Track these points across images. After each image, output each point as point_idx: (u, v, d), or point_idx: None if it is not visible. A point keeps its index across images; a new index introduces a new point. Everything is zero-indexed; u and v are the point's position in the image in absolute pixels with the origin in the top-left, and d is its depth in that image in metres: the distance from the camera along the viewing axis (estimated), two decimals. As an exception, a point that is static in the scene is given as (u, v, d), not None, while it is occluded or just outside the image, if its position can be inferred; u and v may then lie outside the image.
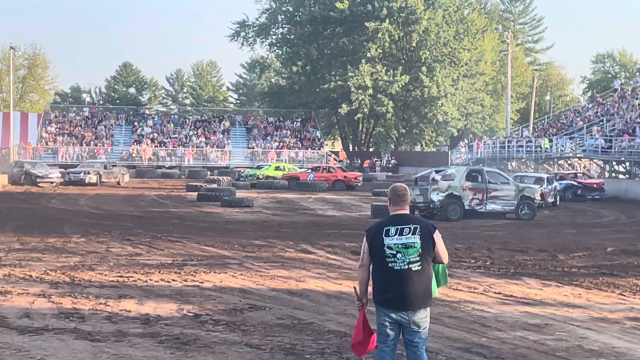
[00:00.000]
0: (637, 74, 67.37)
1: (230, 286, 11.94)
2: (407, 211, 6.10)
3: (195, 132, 63.92)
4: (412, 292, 5.85)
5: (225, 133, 64.52)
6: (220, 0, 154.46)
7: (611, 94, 54.90)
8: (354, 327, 6.39)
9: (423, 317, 5.93)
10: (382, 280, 5.93)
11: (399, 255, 5.85)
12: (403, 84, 63.07)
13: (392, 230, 5.92)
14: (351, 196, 37.47)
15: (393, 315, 5.90)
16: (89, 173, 42.72)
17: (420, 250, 5.86)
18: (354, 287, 6.44)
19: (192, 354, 7.79)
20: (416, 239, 5.87)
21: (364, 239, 6.07)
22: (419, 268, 5.87)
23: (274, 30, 71.74)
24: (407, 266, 5.85)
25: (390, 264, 5.88)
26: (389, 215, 6.11)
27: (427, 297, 5.95)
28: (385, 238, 5.90)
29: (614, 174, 42.92)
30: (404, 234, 5.89)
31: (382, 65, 64.25)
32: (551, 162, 47.35)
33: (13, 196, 34.91)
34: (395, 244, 5.87)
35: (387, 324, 5.94)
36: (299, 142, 63.76)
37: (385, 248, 5.89)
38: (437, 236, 5.98)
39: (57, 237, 18.66)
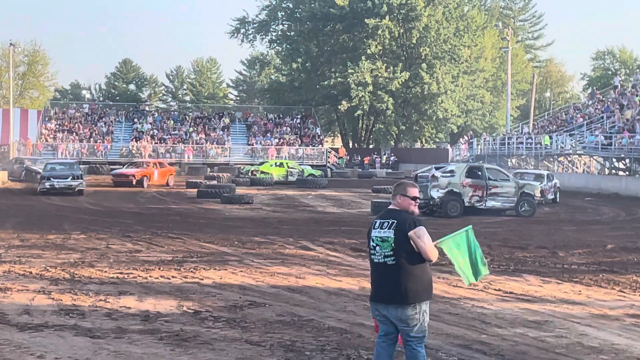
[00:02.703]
0: (637, 70, 67.36)
1: (230, 283, 11.94)
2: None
3: (195, 129, 63.89)
4: (389, 286, 5.91)
5: (225, 130, 64.50)
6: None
7: (611, 90, 54.89)
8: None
9: (411, 314, 5.91)
10: (370, 273, 6.16)
11: (377, 248, 6.01)
12: (403, 80, 63.09)
13: (377, 223, 6.08)
14: (352, 193, 37.47)
15: (381, 310, 6.01)
16: (78, 178, 33.65)
17: (393, 245, 5.92)
18: None
19: (192, 351, 7.79)
20: (390, 234, 5.95)
21: None
22: (393, 262, 5.92)
23: (274, 27, 71.79)
24: (383, 259, 5.97)
25: (372, 256, 6.08)
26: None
27: (411, 295, 5.89)
28: (372, 230, 6.09)
29: (613, 171, 42.91)
30: (383, 227, 6.01)
31: (382, 62, 64.28)
32: (551, 159, 47.35)
33: (13, 193, 34.91)
34: (376, 237, 6.03)
35: (378, 318, 6.10)
36: (298, 139, 63.73)
37: (370, 240, 6.09)
38: (416, 233, 5.90)
39: (57, 233, 18.66)
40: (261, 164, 48.89)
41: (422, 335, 6.03)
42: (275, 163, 47.35)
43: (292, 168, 45.88)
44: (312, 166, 52.65)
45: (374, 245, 6.00)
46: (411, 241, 5.90)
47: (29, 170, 42.41)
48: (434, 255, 6.02)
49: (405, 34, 65.44)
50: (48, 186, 32.55)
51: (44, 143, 58.72)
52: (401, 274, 5.90)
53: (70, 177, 33.06)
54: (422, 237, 5.95)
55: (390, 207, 6.16)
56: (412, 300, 5.91)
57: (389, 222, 5.99)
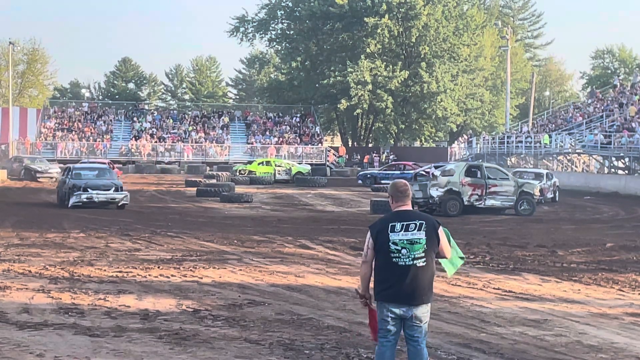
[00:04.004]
0: (637, 69, 67.34)
1: (230, 281, 11.94)
2: (410, 207, 6.14)
3: (195, 128, 63.88)
4: (416, 287, 5.90)
5: (225, 128, 64.50)
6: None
7: (610, 89, 54.91)
8: (368, 326, 6.42)
9: (425, 312, 5.99)
10: (386, 276, 5.96)
11: (403, 251, 5.89)
12: (402, 79, 63.05)
13: (398, 226, 5.95)
14: (350, 192, 37.47)
15: (396, 310, 5.93)
16: (121, 189, 26.49)
17: (425, 246, 5.91)
18: (357, 288, 6.46)
19: (191, 350, 7.79)
20: (421, 235, 5.92)
21: (368, 235, 6.09)
22: (424, 264, 5.92)
23: (273, 25, 71.71)
24: (412, 262, 5.89)
25: (394, 259, 5.91)
26: (392, 212, 6.13)
27: (430, 293, 6.03)
28: (390, 234, 5.94)
29: (613, 170, 42.93)
30: (409, 230, 5.93)
31: (382, 60, 64.22)
32: (550, 158, 47.36)
33: (12, 191, 34.90)
34: (401, 240, 5.91)
35: (389, 319, 5.97)
36: (298, 138, 63.73)
37: (390, 244, 5.92)
38: (441, 232, 6.06)
39: (56, 232, 18.65)
40: (248, 163, 48.88)
41: (426, 332, 6.10)
42: (262, 162, 47.22)
43: (279, 166, 45.71)
44: (310, 165, 52.64)
45: (399, 248, 5.90)
46: (439, 241, 6.02)
47: (28, 169, 42.51)
48: (450, 253, 6.19)
49: (405, 33, 65.39)
50: (85, 199, 25.50)
51: (43, 142, 58.71)
52: (427, 273, 5.96)
53: (113, 189, 26.10)
54: (444, 235, 6.12)
55: (404, 208, 6.09)
56: (432, 298, 6.06)
57: (416, 224, 5.95)
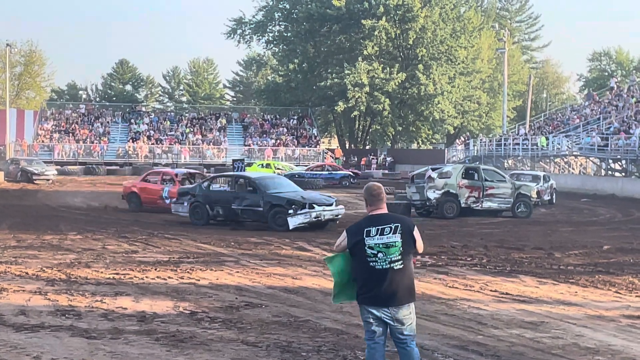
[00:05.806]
0: (633, 72, 67.41)
1: (227, 284, 11.93)
2: (385, 210, 6.17)
3: (192, 130, 63.87)
4: (394, 290, 5.93)
5: (222, 130, 64.50)
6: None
7: (607, 92, 54.98)
8: None
9: (407, 314, 5.99)
10: (364, 279, 6.03)
11: (380, 255, 5.94)
12: (399, 81, 63.08)
13: (373, 230, 6.00)
14: (347, 193, 37.45)
15: (375, 312, 5.98)
16: (336, 204, 22.63)
17: (401, 249, 5.95)
18: None
19: (188, 352, 7.79)
20: (397, 238, 5.95)
21: (344, 234, 6.18)
22: (401, 266, 5.96)
23: (270, 27, 71.74)
24: (388, 265, 5.93)
25: (371, 264, 5.96)
26: (367, 216, 6.18)
27: (410, 294, 6.02)
28: (366, 238, 5.98)
29: (609, 172, 42.97)
30: (385, 233, 5.97)
31: (379, 62, 64.28)
32: (547, 160, 47.40)
33: (9, 193, 34.84)
34: (377, 244, 5.95)
35: (372, 320, 6.04)
36: (295, 140, 63.73)
37: (366, 248, 5.97)
38: (416, 232, 6.10)
39: (53, 234, 18.63)
40: (248, 165, 48.98)
41: (415, 333, 6.11)
42: (262, 164, 47.27)
43: (279, 169, 45.78)
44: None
45: (375, 252, 5.94)
46: (415, 242, 6.04)
47: (25, 171, 42.50)
48: (422, 247, 6.23)
49: (402, 35, 65.43)
50: (314, 218, 21.05)
51: (40, 144, 58.66)
52: (405, 276, 5.98)
53: (334, 203, 22.38)
54: (419, 234, 6.14)
55: (378, 212, 6.14)
56: (412, 299, 6.05)
57: (391, 227, 5.97)
